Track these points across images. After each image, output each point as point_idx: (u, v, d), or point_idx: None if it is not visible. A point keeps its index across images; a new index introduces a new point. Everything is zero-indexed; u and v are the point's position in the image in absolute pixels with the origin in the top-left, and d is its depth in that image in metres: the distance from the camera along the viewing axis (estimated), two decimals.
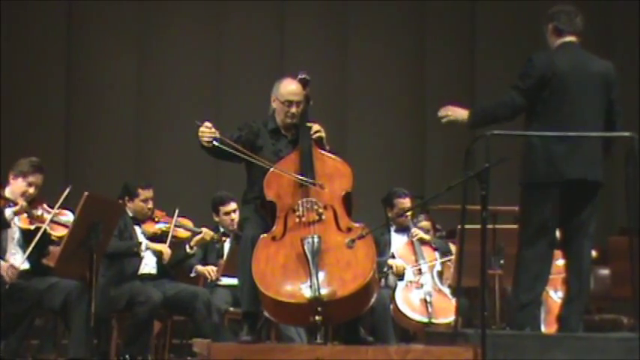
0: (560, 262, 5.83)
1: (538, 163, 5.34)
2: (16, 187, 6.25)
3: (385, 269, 7.28)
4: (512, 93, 5.41)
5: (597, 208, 5.52)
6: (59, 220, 6.22)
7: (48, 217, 6.15)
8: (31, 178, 6.26)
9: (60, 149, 9.87)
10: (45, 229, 6.10)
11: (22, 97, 9.84)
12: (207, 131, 5.43)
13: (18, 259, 6.15)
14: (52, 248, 6.32)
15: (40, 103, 9.89)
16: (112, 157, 9.91)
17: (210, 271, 7.21)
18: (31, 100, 9.88)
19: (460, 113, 5.58)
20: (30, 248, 6.05)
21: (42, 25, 9.95)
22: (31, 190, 6.25)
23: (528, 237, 5.43)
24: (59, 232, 6.18)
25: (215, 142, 5.42)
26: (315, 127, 5.67)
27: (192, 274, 7.29)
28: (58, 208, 6.19)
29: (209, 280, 7.22)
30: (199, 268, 7.28)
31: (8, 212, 6.12)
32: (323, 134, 5.67)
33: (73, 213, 6.08)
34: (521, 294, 5.38)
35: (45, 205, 6.26)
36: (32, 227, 6.14)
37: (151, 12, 10.28)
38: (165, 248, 6.87)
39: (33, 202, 6.25)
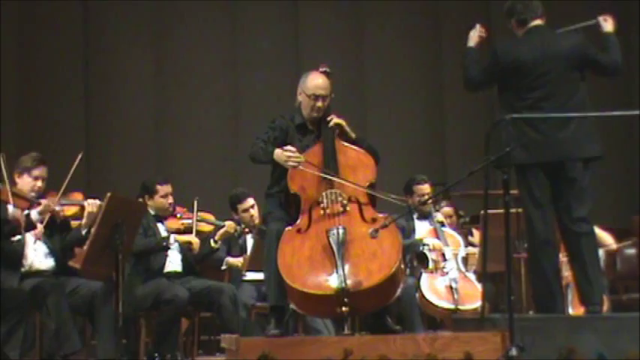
0: None
1: (517, 147, 5.31)
2: (23, 184, 6.27)
3: (421, 248, 7.26)
4: (474, 69, 5.61)
5: (585, 186, 5.47)
6: (66, 202, 6.25)
7: (56, 199, 6.19)
8: (36, 172, 6.29)
9: (79, 149, 9.88)
10: (57, 212, 6.14)
11: (39, 98, 9.88)
12: (294, 157, 5.47)
13: (48, 262, 6.21)
14: (77, 250, 6.35)
15: (58, 103, 9.92)
16: (131, 156, 9.94)
17: (239, 263, 7.23)
18: (49, 100, 9.91)
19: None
20: (41, 225, 6.08)
21: (58, 26, 9.98)
22: (39, 183, 6.28)
23: (527, 213, 5.46)
24: (70, 211, 6.23)
25: (302, 167, 5.46)
26: (333, 118, 5.68)
27: (224, 267, 7.29)
28: (66, 185, 6.21)
29: (242, 272, 7.22)
30: (230, 260, 7.29)
31: (34, 214, 6.14)
32: (339, 121, 5.66)
33: (85, 196, 6.14)
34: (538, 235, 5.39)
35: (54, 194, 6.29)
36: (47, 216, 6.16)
37: (166, 10, 10.29)
38: (193, 238, 6.88)
39: (43, 195, 6.27)
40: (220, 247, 7.14)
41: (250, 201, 7.41)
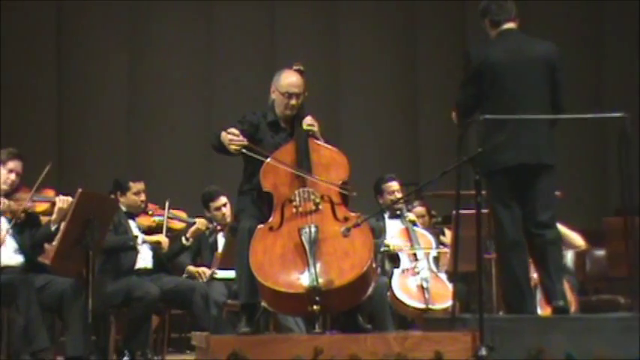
0: None
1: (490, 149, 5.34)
2: None
3: (382, 249, 7.29)
4: (461, 90, 5.54)
5: (548, 191, 5.50)
6: (38, 198, 6.24)
7: (27, 196, 6.17)
8: (10, 165, 6.29)
9: (52, 147, 9.86)
10: (26, 208, 6.15)
11: (13, 96, 9.84)
12: (236, 139, 5.44)
13: (18, 257, 6.19)
14: (47, 246, 6.31)
15: (32, 101, 9.89)
16: (104, 154, 9.92)
17: (202, 272, 7.18)
18: (23, 99, 9.88)
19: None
20: (12, 222, 6.09)
21: (32, 25, 9.94)
22: (12, 176, 6.28)
23: (496, 215, 5.48)
24: (41, 207, 6.21)
25: (244, 151, 5.43)
26: (308, 119, 5.67)
27: (185, 275, 7.24)
28: (37, 189, 6.19)
29: (200, 281, 7.18)
30: (191, 268, 7.25)
31: None
32: (314, 128, 5.65)
33: (57, 193, 6.14)
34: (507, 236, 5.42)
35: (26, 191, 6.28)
36: (18, 210, 6.14)
37: (140, 10, 10.26)
38: (162, 238, 6.88)
39: (16, 190, 6.27)
40: (192, 245, 7.11)
41: (223, 199, 7.40)
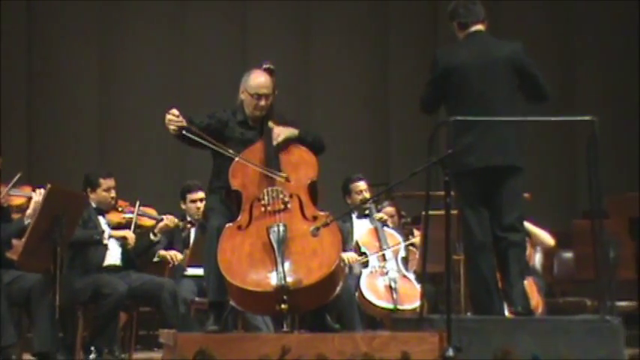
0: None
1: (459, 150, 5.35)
2: None
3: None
4: (424, 88, 5.61)
5: (514, 194, 5.52)
6: (15, 192, 6.24)
7: (4, 190, 6.14)
8: None
9: (22, 146, 9.80)
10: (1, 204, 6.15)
11: None
12: (174, 119, 5.42)
13: None
14: (15, 242, 6.28)
15: (1, 100, 9.81)
16: (74, 153, 9.87)
17: (173, 256, 7.19)
18: None
19: None
20: None
21: (2, 22, 9.86)
22: None
23: (464, 217, 5.52)
24: (17, 201, 6.21)
25: (184, 132, 5.40)
26: (276, 131, 5.60)
27: (156, 259, 7.24)
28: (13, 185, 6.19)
29: (171, 265, 7.18)
30: (162, 252, 7.24)
31: None
32: (284, 137, 5.60)
33: (33, 189, 6.14)
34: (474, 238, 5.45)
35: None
36: None
37: (111, 7, 10.22)
38: (129, 233, 6.86)
39: None
40: (160, 240, 7.10)
41: (200, 194, 7.38)
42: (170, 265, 7.20)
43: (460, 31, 5.62)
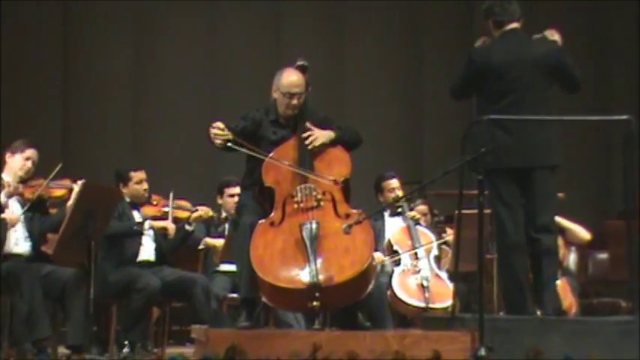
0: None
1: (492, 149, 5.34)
2: (13, 163, 6.34)
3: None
4: (456, 81, 5.63)
5: (549, 193, 5.51)
6: (55, 184, 6.29)
7: (44, 182, 6.20)
8: (27, 152, 6.35)
9: (57, 142, 9.88)
10: (41, 194, 6.20)
11: (19, 92, 9.84)
12: (220, 133, 5.43)
13: (25, 246, 6.21)
14: (49, 236, 6.34)
15: (37, 97, 9.90)
16: (109, 150, 9.92)
17: (217, 243, 7.23)
18: (28, 94, 9.88)
19: None
20: (24, 209, 6.15)
21: (38, 22, 9.96)
22: (29, 163, 6.34)
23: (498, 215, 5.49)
24: (58, 192, 6.27)
25: (229, 144, 5.42)
26: (312, 136, 5.60)
27: (201, 246, 7.29)
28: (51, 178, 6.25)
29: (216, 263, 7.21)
30: (209, 240, 7.30)
31: (2, 197, 6.14)
32: (319, 143, 5.61)
33: (73, 181, 6.20)
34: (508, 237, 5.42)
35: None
36: (33, 196, 6.20)
37: (145, 9, 10.28)
38: (169, 224, 6.88)
39: (30, 179, 6.32)
40: (195, 229, 7.11)
41: (238, 189, 7.41)
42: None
43: (496, 30, 5.60)
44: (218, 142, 5.43)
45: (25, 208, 6.22)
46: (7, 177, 6.31)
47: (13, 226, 6.18)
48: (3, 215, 6.17)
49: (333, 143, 5.65)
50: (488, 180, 5.35)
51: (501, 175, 5.42)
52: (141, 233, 6.81)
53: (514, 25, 5.57)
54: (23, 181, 6.30)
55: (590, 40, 10.43)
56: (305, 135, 5.59)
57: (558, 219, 5.78)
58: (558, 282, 5.85)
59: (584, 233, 7.70)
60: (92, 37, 10.10)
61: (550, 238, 5.48)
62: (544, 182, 5.45)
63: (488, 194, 5.46)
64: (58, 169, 6.25)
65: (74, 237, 5.89)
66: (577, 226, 7.67)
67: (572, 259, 7.98)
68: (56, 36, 10.08)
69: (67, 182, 6.35)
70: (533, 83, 5.44)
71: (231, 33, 10.37)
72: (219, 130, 5.43)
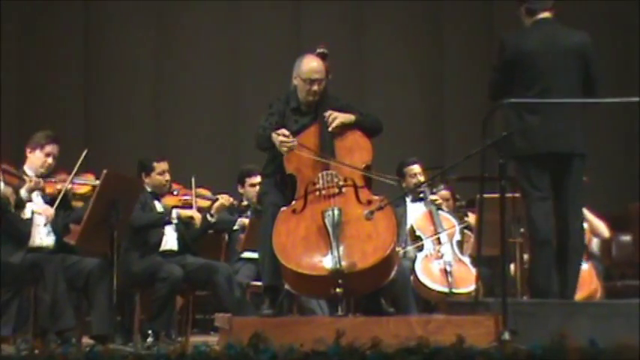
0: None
1: (515, 137, 5.31)
2: (34, 159, 6.35)
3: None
4: (492, 74, 5.56)
5: (578, 181, 5.49)
6: (79, 180, 6.31)
7: (68, 177, 6.22)
8: (48, 149, 6.35)
9: (79, 127, 9.92)
10: (67, 190, 6.21)
11: (42, 82, 9.90)
12: (286, 140, 5.44)
13: (49, 240, 6.24)
14: (72, 227, 6.36)
15: (60, 87, 9.95)
16: (131, 138, 9.95)
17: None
18: (49, 77, 9.93)
19: None
20: (56, 203, 6.16)
21: (60, 6, 9.99)
22: (50, 160, 6.34)
23: (528, 204, 5.46)
24: (82, 189, 6.28)
25: (296, 150, 5.45)
26: (332, 116, 5.59)
27: (236, 227, 7.33)
28: (76, 172, 6.25)
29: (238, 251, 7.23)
30: (243, 219, 7.33)
31: (23, 192, 6.16)
32: (339, 123, 5.60)
33: (96, 177, 6.19)
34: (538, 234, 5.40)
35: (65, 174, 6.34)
36: (56, 192, 6.22)
37: None
38: (195, 213, 6.91)
39: (52, 172, 6.34)
40: (217, 221, 7.12)
41: (259, 179, 7.42)
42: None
43: (527, 17, 5.56)
44: (285, 150, 5.46)
45: (57, 202, 6.22)
46: (30, 171, 6.33)
47: (49, 220, 6.21)
48: (36, 209, 6.20)
49: (353, 127, 5.63)
50: (520, 166, 5.33)
51: (532, 161, 5.38)
52: (169, 223, 6.84)
53: (546, 13, 5.53)
54: (44, 177, 6.32)
55: (612, 28, 10.35)
56: (325, 114, 5.58)
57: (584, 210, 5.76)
58: (585, 267, 5.82)
59: (603, 230, 7.77)
60: (114, 27, 10.13)
61: (577, 224, 5.45)
62: (579, 170, 5.44)
63: (519, 180, 5.43)
64: (84, 154, 6.26)
65: (97, 227, 5.90)
66: (599, 221, 7.70)
67: (595, 242, 7.95)
68: (79, 26, 10.12)
69: (90, 178, 6.36)
70: (566, 72, 5.40)
71: (252, 22, 10.36)
72: (284, 138, 5.44)
